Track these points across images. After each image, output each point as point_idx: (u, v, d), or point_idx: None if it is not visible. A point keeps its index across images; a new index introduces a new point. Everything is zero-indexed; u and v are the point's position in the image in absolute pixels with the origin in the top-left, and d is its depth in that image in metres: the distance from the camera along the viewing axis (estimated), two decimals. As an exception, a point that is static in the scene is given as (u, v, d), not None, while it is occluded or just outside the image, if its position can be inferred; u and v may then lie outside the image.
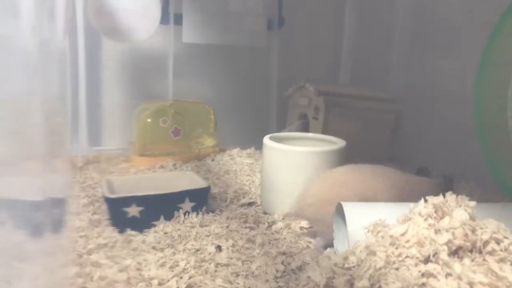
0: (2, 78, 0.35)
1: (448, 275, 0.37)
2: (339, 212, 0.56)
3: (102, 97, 1.13)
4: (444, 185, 0.61)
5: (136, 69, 1.14)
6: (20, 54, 0.35)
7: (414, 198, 0.45)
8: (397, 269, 0.38)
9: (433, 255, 0.38)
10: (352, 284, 0.38)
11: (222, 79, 1.22)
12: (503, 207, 0.55)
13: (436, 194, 0.43)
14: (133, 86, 1.15)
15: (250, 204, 0.74)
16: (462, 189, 0.69)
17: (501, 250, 0.39)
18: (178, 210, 0.64)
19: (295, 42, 1.27)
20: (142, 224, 0.61)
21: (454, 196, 0.43)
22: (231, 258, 0.53)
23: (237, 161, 0.99)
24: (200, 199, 0.66)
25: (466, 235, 0.39)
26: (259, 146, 0.85)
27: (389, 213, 0.46)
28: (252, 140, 1.03)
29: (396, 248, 0.40)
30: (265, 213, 0.70)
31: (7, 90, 0.36)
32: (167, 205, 0.63)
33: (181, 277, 0.48)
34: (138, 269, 0.50)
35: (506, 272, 0.36)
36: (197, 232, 0.60)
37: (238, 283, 0.48)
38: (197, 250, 0.55)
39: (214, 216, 0.66)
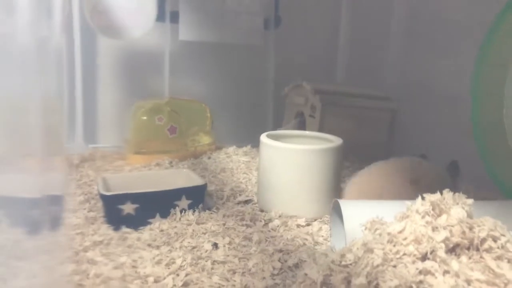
0: (-1, 76, 0.35)
1: (445, 272, 0.37)
2: (336, 209, 0.57)
3: (97, 95, 1.13)
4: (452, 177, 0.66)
5: (132, 67, 1.14)
6: (17, 52, 0.35)
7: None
8: (394, 266, 0.38)
9: (431, 253, 0.39)
10: (349, 282, 0.38)
11: (218, 77, 1.22)
12: (500, 204, 0.56)
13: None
14: (129, 84, 1.14)
15: (246, 201, 0.74)
16: (459, 187, 0.69)
17: (498, 248, 0.39)
18: (174, 208, 0.64)
19: (291, 40, 1.27)
20: (137, 222, 0.61)
21: (451, 193, 0.43)
22: (228, 256, 0.53)
23: (233, 159, 0.99)
24: (197, 197, 0.65)
25: (463, 232, 0.39)
26: (255, 144, 0.85)
27: (387, 210, 0.47)
28: (249, 138, 1.03)
29: (394, 246, 0.40)
30: (261, 210, 0.70)
31: (4, 87, 0.35)
32: (163, 202, 0.63)
33: (178, 275, 0.48)
34: (133, 267, 0.50)
35: (504, 269, 0.37)
36: (193, 230, 0.60)
37: (234, 281, 0.48)
38: (194, 247, 0.55)
39: (211, 213, 0.66)
